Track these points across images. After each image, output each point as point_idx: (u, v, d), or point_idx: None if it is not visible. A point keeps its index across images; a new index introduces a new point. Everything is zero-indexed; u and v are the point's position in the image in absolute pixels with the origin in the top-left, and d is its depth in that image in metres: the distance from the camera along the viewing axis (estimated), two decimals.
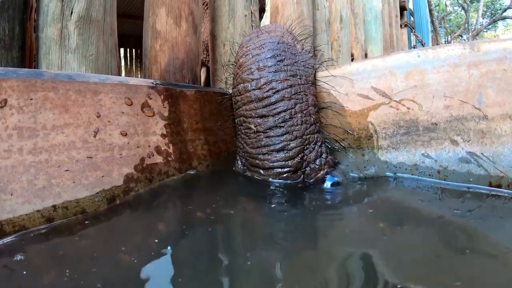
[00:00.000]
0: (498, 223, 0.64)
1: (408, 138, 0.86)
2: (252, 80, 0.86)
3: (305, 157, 0.86)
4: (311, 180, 0.85)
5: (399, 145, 0.87)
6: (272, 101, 0.84)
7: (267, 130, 0.85)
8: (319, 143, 0.88)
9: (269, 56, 0.85)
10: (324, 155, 0.88)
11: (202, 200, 0.79)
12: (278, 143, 0.84)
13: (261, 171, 0.87)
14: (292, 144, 0.84)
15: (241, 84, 0.89)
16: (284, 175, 0.84)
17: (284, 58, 0.86)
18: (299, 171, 0.85)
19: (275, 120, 0.84)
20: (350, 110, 0.94)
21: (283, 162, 0.84)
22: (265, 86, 0.84)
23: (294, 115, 0.84)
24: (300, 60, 0.90)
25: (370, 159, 0.91)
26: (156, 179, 0.84)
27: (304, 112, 0.85)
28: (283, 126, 0.83)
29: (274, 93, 0.84)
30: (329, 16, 2.13)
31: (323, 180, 0.85)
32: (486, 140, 0.79)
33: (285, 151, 0.84)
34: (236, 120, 0.97)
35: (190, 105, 1.01)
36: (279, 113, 0.83)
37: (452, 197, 0.76)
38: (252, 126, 0.87)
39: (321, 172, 0.86)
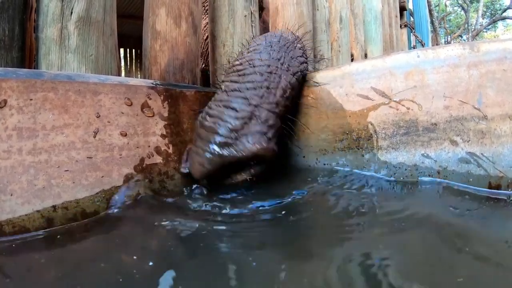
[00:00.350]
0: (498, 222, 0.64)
1: (408, 138, 0.86)
2: (240, 59, 0.93)
3: (248, 125, 0.83)
4: (240, 147, 0.80)
5: (399, 145, 0.87)
6: (246, 72, 0.88)
7: (230, 91, 0.88)
8: (270, 123, 0.85)
9: (260, 43, 0.93)
10: (268, 136, 0.84)
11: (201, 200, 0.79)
12: (233, 102, 0.85)
13: (207, 117, 0.85)
14: (243, 108, 0.84)
15: (231, 65, 0.96)
16: (222, 130, 0.81)
17: (273, 45, 0.92)
18: (235, 133, 0.81)
19: (240, 86, 0.87)
20: (350, 111, 0.94)
21: (229, 120, 0.82)
22: (246, 62, 0.90)
23: (258, 87, 0.86)
24: (290, 52, 0.94)
25: (369, 159, 0.91)
26: (156, 179, 0.84)
27: (270, 89, 0.87)
28: (243, 92, 0.86)
29: (250, 66, 0.89)
30: (329, 16, 2.13)
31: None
32: (485, 141, 0.79)
33: (235, 111, 0.83)
34: None
35: (190, 106, 1.01)
36: (247, 81, 0.87)
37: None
38: (223, 87, 0.91)
39: (254, 148, 0.81)
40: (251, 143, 0.80)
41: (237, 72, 0.90)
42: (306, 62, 0.99)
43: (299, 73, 0.95)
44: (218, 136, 0.80)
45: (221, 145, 0.80)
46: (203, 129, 0.84)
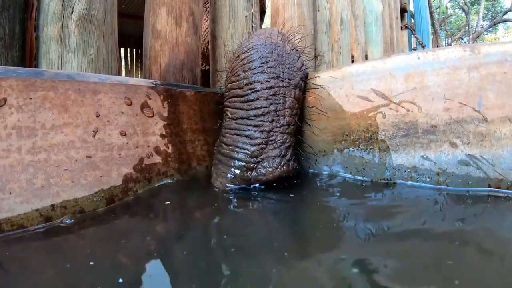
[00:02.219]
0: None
1: (408, 140, 0.86)
2: (237, 80, 0.91)
3: (266, 150, 0.87)
4: (263, 171, 0.86)
5: (398, 147, 0.87)
6: (250, 98, 0.88)
7: (239, 119, 0.90)
8: (287, 145, 0.89)
9: (255, 58, 0.89)
10: (287, 158, 0.88)
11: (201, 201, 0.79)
12: (246, 130, 0.88)
13: (223, 145, 0.91)
14: (257, 135, 0.87)
15: (229, 85, 0.94)
16: (241, 155, 0.87)
17: (269, 60, 0.89)
18: (255, 158, 0.86)
19: (248, 113, 0.88)
20: (350, 112, 0.94)
21: (244, 145, 0.87)
22: (246, 86, 0.89)
23: (267, 113, 0.87)
24: (287, 62, 0.92)
25: (369, 161, 0.91)
26: (155, 179, 0.84)
27: (278, 112, 0.88)
28: (253, 119, 0.88)
29: (252, 92, 0.88)
30: (329, 17, 2.13)
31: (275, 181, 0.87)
32: (485, 143, 0.79)
33: (249, 138, 0.87)
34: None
35: (189, 106, 1.01)
36: (253, 108, 0.88)
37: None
38: (228, 114, 0.93)
39: (277, 172, 0.86)
40: (273, 168, 0.86)
41: (239, 98, 0.90)
42: (303, 64, 0.97)
43: (300, 81, 0.94)
44: (238, 161, 0.87)
45: (242, 169, 0.86)
46: (222, 155, 0.90)
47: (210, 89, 1.19)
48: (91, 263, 0.50)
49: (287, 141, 0.89)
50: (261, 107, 0.87)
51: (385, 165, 0.89)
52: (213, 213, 0.72)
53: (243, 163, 0.86)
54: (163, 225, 0.68)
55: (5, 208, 0.61)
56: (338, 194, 0.83)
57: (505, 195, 0.74)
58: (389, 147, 0.89)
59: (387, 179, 0.88)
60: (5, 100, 0.66)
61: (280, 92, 0.89)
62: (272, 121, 0.88)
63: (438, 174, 0.82)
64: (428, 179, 0.83)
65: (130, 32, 5.57)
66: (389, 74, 0.89)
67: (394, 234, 0.60)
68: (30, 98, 0.69)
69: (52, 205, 0.67)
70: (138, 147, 0.84)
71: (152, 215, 0.72)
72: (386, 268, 0.48)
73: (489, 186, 0.77)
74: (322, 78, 0.99)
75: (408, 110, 0.87)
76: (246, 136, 0.87)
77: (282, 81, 0.89)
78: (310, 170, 1.01)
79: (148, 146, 0.86)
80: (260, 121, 0.87)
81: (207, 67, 2.10)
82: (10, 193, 0.63)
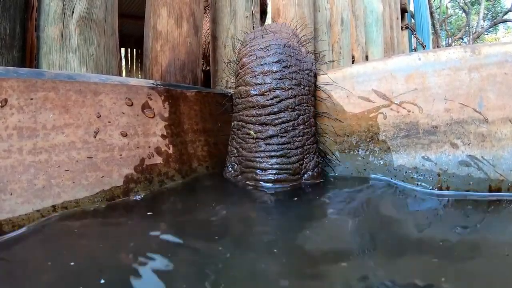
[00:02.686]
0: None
1: (409, 141, 0.86)
2: (256, 84, 0.83)
3: (304, 164, 0.86)
4: (309, 189, 0.84)
5: (399, 147, 0.87)
6: (275, 110, 0.81)
7: (268, 138, 0.83)
8: (316, 153, 0.89)
9: (274, 60, 0.82)
10: (320, 165, 0.89)
11: (202, 202, 0.79)
12: (279, 151, 0.82)
13: (258, 171, 0.83)
14: (293, 153, 0.83)
15: (243, 87, 0.86)
16: (282, 175, 0.82)
17: (290, 65, 0.83)
18: (297, 175, 0.84)
19: (277, 130, 0.82)
20: (351, 113, 0.94)
21: (283, 165, 0.82)
22: (268, 93, 0.81)
23: (296, 126, 0.83)
24: (305, 68, 0.87)
25: (370, 162, 0.91)
26: (155, 180, 0.84)
27: (306, 124, 0.85)
28: (284, 136, 0.82)
29: (278, 102, 0.81)
30: (330, 18, 2.13)
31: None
32: (486, 144, 0.79)
33: (285, 158, 0.83)
34: (233, 123, 0.94)
35: (190, 106, 1.01)
36: (281, 123, 0.82)
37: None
38: (252, 133, 0.84)
39: (317, 181, 0.87)
40: (313, 178, 0.87)
41: (260, 109, 0.82)
42: (315, 68, 0.94)
43: (312, 85, 0.91)
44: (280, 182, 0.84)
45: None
46: (256, 181, 0.85)
47: (211, 89, 1.19)
48: (92, 263, 0.50)
49: (314, 149, 0.88)
50: (289, 120, 0.82)
51: (386, 166, 0.89)
52: (215, 213, 0.72)
53: (287, 184, 0.83)
54: (164, 225, 0.68)
55: (6, 208, 0.61)
56: (338, 194, 0.83)
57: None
58: (390, 147, 0.89)
59: (388, 180, 0.87)
60: (6, 100, 0.66)
61: (303, 102, 0.84)
62: (303, 134, 0.84)
63: (439, 174, 0.82)
64: (428, 180, 0.83)
65: (131, 32, 5.57)
66: (390, 75, 0.89)
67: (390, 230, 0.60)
68: (31, 99, 0.69)
69: (53, 206, 0.67)
70: (139, 148, 0.84)
71: (153, 215, 0.72)
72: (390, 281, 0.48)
73: (490, 187, 0.77)
74: (323, 79, 0.99)
75: (409, 111, 0.87)
76: (282, 156, 0.82)
77: (303, 88, 0.85)
78: None
79: (149, 147, 0.86)
80: (293, 138, 0.82)
81: (208, 68, 2.10)
82: (11, 194, 0.63)
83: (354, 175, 0.93)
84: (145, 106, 0.88)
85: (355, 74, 0.94)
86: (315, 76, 0.93)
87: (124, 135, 0.81)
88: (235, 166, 0.92)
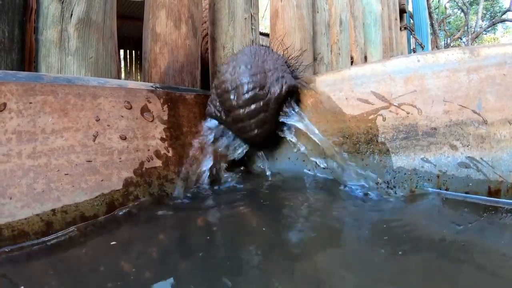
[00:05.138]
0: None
1: (408, 142, 0.86)
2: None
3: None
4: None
5: (398, 149, 0.87)
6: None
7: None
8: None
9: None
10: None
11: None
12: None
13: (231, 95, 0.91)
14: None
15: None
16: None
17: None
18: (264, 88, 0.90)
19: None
20: (350, 115, 0.94)
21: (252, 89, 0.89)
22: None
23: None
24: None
25: (369, 164, 0.91)
26: (155, 183, 0.84)
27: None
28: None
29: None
30: (328, 19, 2.13)
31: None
32: (485, 145, 0.79)
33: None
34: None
35: (189, 109, 1.01)
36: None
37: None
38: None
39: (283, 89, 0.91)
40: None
41: None
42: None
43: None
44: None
45: None
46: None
47: (210, 91, 1.18)
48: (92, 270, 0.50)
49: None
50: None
51: (385, 168, 0.89)
52: (216, 216, 0.72)
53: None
54: (164, 230, 0.68)
55: (5, 213, 0.61)
56: (334, 195, 0.83)
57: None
58: (389, 149, 0.89)
59: (387, 182, 0.88)
60: (5, 104, 0.66)
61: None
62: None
63: (438, 176, 0.82)
64: (428, 182, 0.83)
65: (129, 34, 5.56)
66: (389, 77, 0.89)
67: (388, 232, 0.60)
68: (30, 103, 0.69)
69: (53, 210, 0.67)
70: (138, 151, 0.84)
71: (154, 219, 0.72)
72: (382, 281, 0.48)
73: (489, 189, 0.77)
74: (322, 81, 0.99)
75: (408, 113, 0.87)
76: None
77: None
78: (310, 173, 1.01)
79: (149, 150, 0.86)
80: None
81: None
82: (11, 198, 0.63)
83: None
84: (144, 109, 0.88)
85: (353, 76, 0.94)
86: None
87: (123, 138, 0.81)
88: (215, 103, 0.99)
